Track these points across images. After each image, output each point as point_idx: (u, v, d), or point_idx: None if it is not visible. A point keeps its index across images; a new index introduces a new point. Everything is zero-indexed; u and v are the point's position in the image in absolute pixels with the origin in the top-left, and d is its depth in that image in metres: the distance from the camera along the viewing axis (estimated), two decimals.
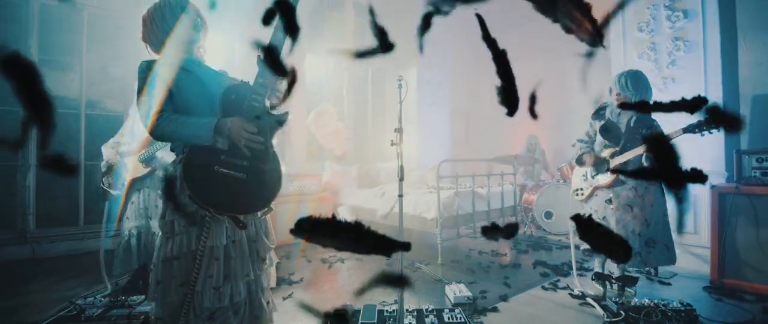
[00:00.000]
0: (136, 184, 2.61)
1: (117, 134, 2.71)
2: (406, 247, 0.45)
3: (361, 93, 5.93)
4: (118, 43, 3.91)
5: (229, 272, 1.32)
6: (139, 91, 1.29)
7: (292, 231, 0.43)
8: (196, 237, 1.28)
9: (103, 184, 2.65)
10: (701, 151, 3.05)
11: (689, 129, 2.11)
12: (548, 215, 4.32)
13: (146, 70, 1.30)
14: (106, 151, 2.65)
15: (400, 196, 1.82)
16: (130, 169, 2.60)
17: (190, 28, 1.39)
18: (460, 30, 5.69)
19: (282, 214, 4.02)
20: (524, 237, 4.31)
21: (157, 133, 1.29)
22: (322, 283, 2.92)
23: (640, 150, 2.28)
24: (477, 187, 3.76)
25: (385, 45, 0.49)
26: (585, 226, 0.43)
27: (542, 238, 4.27)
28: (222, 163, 1.28)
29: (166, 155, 2.68)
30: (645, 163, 2.36)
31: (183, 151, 1.35)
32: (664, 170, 0.42)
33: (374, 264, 3.44)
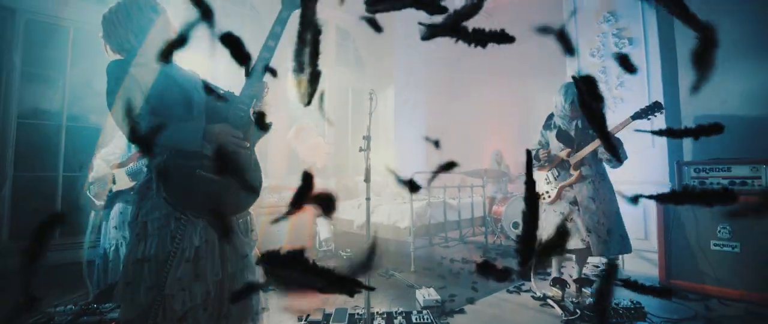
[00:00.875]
0: (121, 196, 2.62)
1: (110, 145, 2.76)
2: (370, 289, 0.51)
3: (342, 110, 6.14)
4: (103, 59, 4.01)
5: (200, 272, 1.29)
6: (112, 94, 1.23)
7: (258, 262, 0.44)
8: (170, 239, 1.24)
9: (89, 192, 2.68)
10: (648, 162, 3.36)
11: (636, 116, 2.47)
12: (515, 225, 4.55)
13: (117, 70, 1.25)
14: (98, 162, 2.69)
15: (368, 199, 1.99)
16: (118, 180, 2.65)
17: (162, 28, 1.36)
18: (435, 53, 6.04)
19: (262, 225, 4.11)
20: (494, 246, 4.52)
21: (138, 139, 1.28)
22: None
23: (594, 145, 2.60)
24: (448, 199, 3.96)
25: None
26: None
27: (510, 246, 4.49)
28: (205, 167, 1.27)
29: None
30: (601, 158, 2.65)
31: (158, 153, 1.30)
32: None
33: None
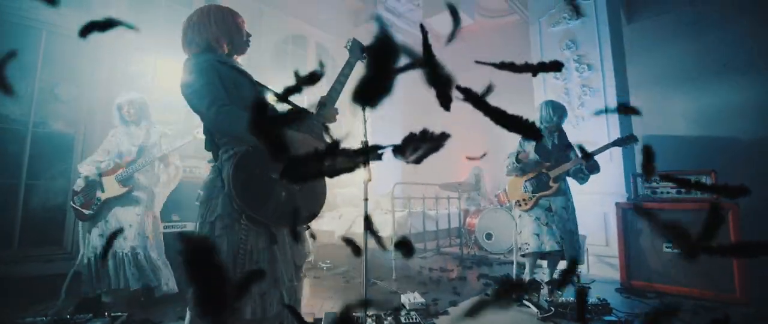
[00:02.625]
0: (110, 203, 2.61)
1: (95, 153, 2.73)
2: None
3: None
4: (73, 65, 3.89)
5: (276, 276, 1.24)
6: (197, 83, 1.27)
7: None
8: (237, 241, 1.19)
9: (74, 203, 2.60)
10: (608, 175, 3.71)
11: (616, 143, 2.79)
12: (488, 236, 4.76)
13: (205, 64, 1.30)
14: (84, 168, 2.64)
15: (366, 199, 2.09)
16: (106, 188, 2.60)
17: (240, 34, 1.48)
18: (410, 72, 6.29)
19: None
20: (468, 256, 4.70)
21: (223, 126, 1.25)
22: None
23: (573, 163, 2.90)
24: (427, 210, 4.12)
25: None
26: None
27: (484, 256, 4.68)
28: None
29: (142, 177, 2.71)
30: (588, 172, 2.92)
31: (230, 148, 1.29)
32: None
33: (332, 281, 3.59)
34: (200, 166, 3.87)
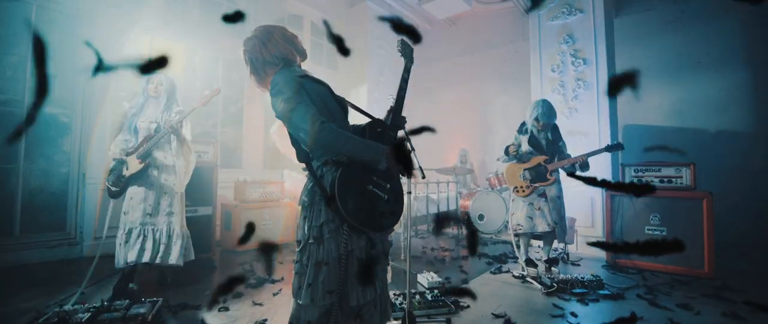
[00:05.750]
0: (131, 180, 2.66)
1: (120, 133, 2.74)
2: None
3: None
4: (66, 43, 3.67)
5: (371, 270, 1.38)
6: (291, 100, 1.32)
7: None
8: (342, 243, 1.32)
9: (107, 182, 2.65)
10: (597, 164, 4.05)
11: (608, 149, 3.16)
12: (481, 217, 5.07)
13: (292, 80, 1.36)
14: (116, 147, 2.68)
15: (409, 192, 2.24)
16: (130, 166, 2.65)
17: (301, 44, 1.56)
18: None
19: (249, 220, 4.10)
20: (463, 236, 5.00)
21: (326, 142, 1.29)
22: None
23: (570, 160, 3.21)
24: (430, 193, 4.33)
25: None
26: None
27: (477, 236, 5.01)
28: (374, 183, 1.37)
29: (159, 154, 2.74)
30: (580, 171, 3.21)
31: (329, 160, 1.37)
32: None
33: None
34: (208, 151, 3.85)
